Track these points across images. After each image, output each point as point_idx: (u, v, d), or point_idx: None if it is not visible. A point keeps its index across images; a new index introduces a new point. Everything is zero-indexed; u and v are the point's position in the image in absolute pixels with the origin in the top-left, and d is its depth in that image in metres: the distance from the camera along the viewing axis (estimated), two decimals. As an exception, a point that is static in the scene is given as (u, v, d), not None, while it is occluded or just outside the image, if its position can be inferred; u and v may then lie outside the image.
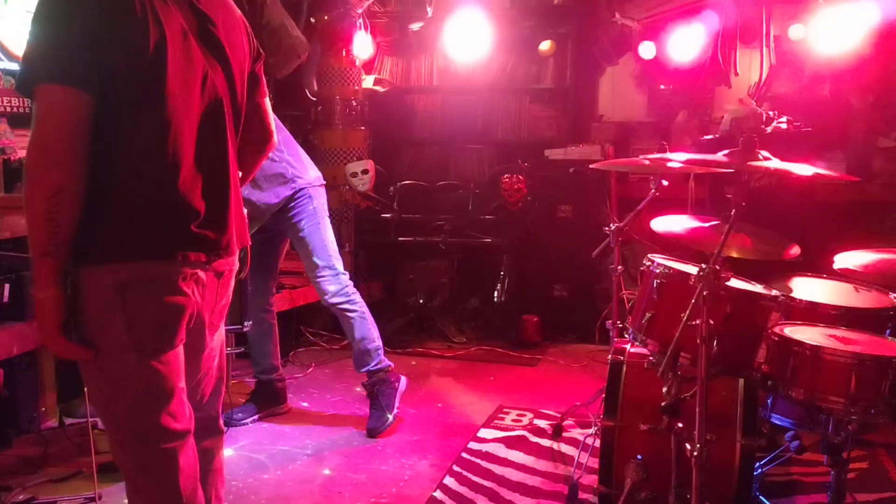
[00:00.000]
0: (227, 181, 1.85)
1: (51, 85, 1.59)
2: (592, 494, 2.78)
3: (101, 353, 1.71)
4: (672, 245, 2.76)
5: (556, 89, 5.70)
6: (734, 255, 2.43)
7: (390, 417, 3.56)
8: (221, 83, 1.82)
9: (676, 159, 2.54)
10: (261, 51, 2.01)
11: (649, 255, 2.53)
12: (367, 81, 5.61)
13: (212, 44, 1.79)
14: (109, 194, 1.68)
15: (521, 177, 5.10)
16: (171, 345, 1.76)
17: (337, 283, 3.58)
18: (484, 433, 3.54)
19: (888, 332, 2.57)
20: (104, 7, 1.62)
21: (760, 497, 2.70)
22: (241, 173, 2.01)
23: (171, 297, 1.74)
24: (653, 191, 3.25)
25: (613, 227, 3.32)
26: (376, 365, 3.60)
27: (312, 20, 5.28)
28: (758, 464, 2.71)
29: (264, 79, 2.05)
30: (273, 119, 2.12)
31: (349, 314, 3.59)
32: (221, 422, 2.05)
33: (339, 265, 3.63)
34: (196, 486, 1.82)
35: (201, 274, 1.80)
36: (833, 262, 2.84)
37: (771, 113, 4.80)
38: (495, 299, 5.12)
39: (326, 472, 3.16)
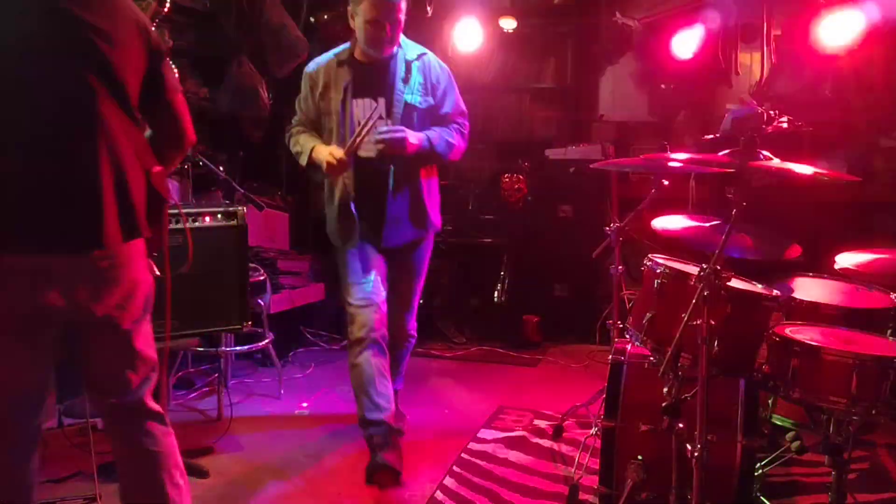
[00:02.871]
0: (97, 173, 1.91)
1: None
2: (593, 495, 2.78)
3: None
4: (673, 245, 2.76)
5: (556, 89, 5.70)
6: (735, 255, 2.42)
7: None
8: (92, 76, 1.91)
9: (677, 159, 2.53)
10: (160, 49, 2.10)
11: (650, 256, 2.52)
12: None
13: (75, 36, 1.90)
14: None
15: (521, 177, 5.10)
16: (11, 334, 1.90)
17: (415, 322, 3.53)
18: (484, 433, 3.53)
19: (889, 332, 2.57)
20: None
21: (761, 497, 2.70)
22: (160, 167, 2.12)
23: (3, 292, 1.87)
24: (653, 191, 3.25)
25: (614, 227, 3.32)
26: (397, 385, 3.58)
27: (312, 20, 5.28)
28: (759, 464, 2.70)
29: (169, 79, 2.14)
30: (188, 116, 2.20)
31: (409, 347, 3.55)
32: (153, 405, 2.15)
33: None
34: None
35: (55, 267, 1.89)
36: (833, 262, 2.84)
37: (772, 112, 4.80)
38: (495, 299, 5.12)
39: (326, 472, 3.15)
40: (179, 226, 3.06)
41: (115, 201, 1.94)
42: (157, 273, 2.23)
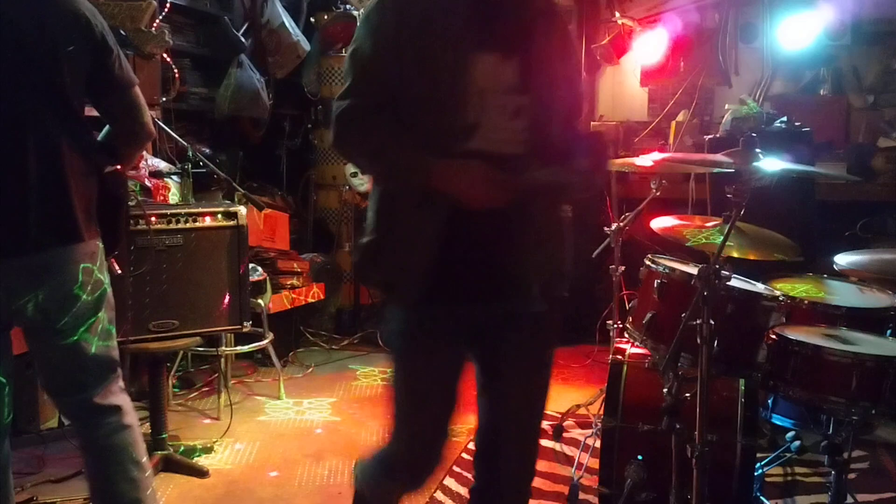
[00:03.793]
0: (23, 178, 1.88)
1: None
2: (593, 495, 2.78)
3: None
4: (672, 245, 2.76)
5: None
6: (735, 255, 2.42)
7: None
8: (20, 77, 1.87)
9: (677, 159, 2.53)
10: (106, 43, 2.02)
11: (650, 255, 2.53)
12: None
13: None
14: None
15: (521, 177, 5.09)
16: None
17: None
18: (484, 433, 3.53)
19: (888, 332, 2.57)
20: None
21: (761, 497, 2.70)
22: (114, 167, 2.11)
23: None
24: (653, 191, 3.25)
25: (613, 227, 3.31)
26: None
27: (312, 20, 5.28)
28: (758, 464, 2.70)
29: (118, 74, 2.07)
30: (145, 110, 2.14)
31: None
32: (110, 400, 2.12)
33: None
34: None
35: None
36: (833, 262, 2.84)
37: (771, 112, 4.80)
38: (495, 299, 5.11)
39: (326, 472, 3.15)
40: (180, 226, 3.08)
41: (48, 206, 1.90)
42: (118, 271, 2.21)
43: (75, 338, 2.03)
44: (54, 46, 1.92)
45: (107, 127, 2.15)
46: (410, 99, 1.73)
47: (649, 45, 5.21)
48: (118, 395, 2.15)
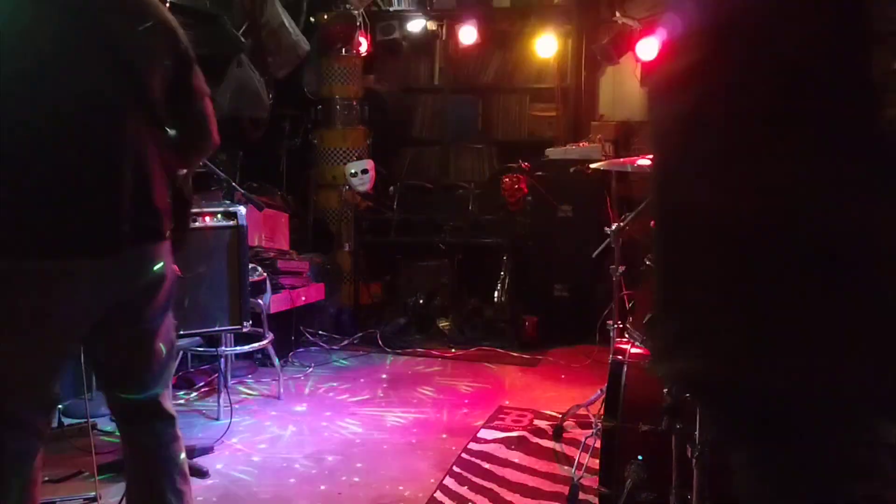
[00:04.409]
0: (121, 179, 1.92)
1: None
2: (593, 495, 2.78)
3: None
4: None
5: (556, 89, 5.70)
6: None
7: None
8: (119, 81, 1.92)
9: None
10: (188, 54, 2.12)
11: (650, 255, 2.52)
12: (368, 81, 5.61)
13: (103, 41, 1.91)
14: None
15: (521, 177, 5.10)
16: (23, 335, 1.88)
17: None
18: (484, 434, 3.53)
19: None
20: None
21: (761, 497, 2.69)
22: (184, 170, 2.18)
23: (14, 296, 1.86)
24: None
25: (614, 227, 3.31)
26: None
27: (312, 20, 5.29)
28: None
29: (196, 84, 2.16)
30: (213, 120, 2.21)
31: None
32: (167, 407, 2.14)
33: None
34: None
35: (82, 271, 1.89)
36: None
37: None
38: (495, 299, 5.12)
39: (326, 472, 3.15)
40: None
41: (138, 206, 1.95)
42: (179, 273, 2.23)
43: (151, 331, 2.07)
44: (148, 56, 1.99)
45: (172, 132, 2.19)
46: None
47: (649, 45, 5.20)
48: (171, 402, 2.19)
